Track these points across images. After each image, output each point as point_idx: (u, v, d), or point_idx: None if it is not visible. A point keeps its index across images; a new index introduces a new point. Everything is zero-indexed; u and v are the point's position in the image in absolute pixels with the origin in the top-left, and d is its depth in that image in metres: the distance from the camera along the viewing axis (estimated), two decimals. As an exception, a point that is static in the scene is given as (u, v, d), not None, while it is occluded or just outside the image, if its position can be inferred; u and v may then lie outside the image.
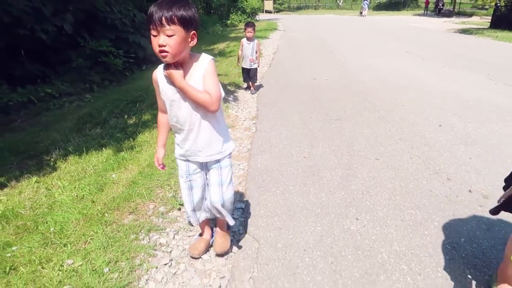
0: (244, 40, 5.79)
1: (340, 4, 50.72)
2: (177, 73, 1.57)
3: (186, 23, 1.50)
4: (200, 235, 2.26)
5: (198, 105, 1.63)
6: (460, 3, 33.55)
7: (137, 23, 9.52)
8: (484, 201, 2.67)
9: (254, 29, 5.72)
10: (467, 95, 5.56)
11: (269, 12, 37.25)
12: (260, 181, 3.07)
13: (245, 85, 6.41)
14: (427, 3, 33.79)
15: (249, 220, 2.52)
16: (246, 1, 25.63)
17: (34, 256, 2.11)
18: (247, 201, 2.78)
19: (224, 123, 1.85)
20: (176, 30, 1.48)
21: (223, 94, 1.68)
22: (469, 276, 1.95)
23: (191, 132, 1.72)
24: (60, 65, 8.16)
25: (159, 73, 1.68)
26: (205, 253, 2.17)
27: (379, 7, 43.03)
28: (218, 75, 6.45)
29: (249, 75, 5.98)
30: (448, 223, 2.42)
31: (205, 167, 1.90)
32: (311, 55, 10.18)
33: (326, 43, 12.73)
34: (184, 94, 1.61)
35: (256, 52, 5.79)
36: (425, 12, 33.43)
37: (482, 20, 23.26)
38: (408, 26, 20.52)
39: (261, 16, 29.67)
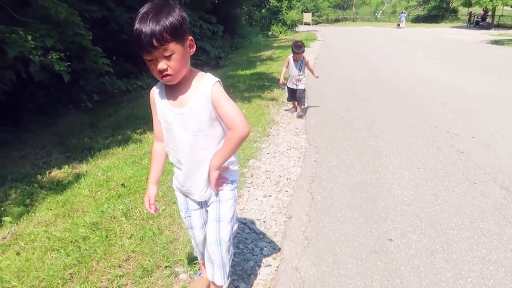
0: (291, 58, 5.47)
1: (378, 16, 52.22)
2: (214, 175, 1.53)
3: (180, 33, 1.29)
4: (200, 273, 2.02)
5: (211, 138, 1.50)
6: (501, 15, 34.36)
7: (203, 32, 11.84)
8: (455, 136, 4.48)
9: (303, 50, 5.41)
10: (472, 87, 7.30)
11: (308, 24, 39.52)
12: (314, 129, 5.03)
13: (289, 105, 6.15)
14: (470, 16, 34.68)
15: (310, 140, 4.49)
16: (287, 14, 27.91)
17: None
18: (307, 134, 4.75)
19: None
20: (173, 48, 1.28)
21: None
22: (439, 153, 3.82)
23: (187, 164, 1.52)
24: (143, 64, 10.53)
25: (156, 91, 1.51)
26: None
27: (417, 20, 44.28)
28: (271, 73, 8.54)
29: (295, 95, 5.60)
30: (428, 142, 4.28)
31: (204, 204, 1.68)
32: (348, 60, 12.12)
33: (361, 51, 14.63)
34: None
35: (305, 70, 5.51)
36: (468, 24, 34.23)
37: (521, 32, 24.21)
38: (442, 37, 21.98)
39: (300, 28, 31.89)
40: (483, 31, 27.90)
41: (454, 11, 43.80)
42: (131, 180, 3.39)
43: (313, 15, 44.50)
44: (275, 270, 2.16)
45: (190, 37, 1.37)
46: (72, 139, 5.34)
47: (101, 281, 2.03)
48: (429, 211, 2.78)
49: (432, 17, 42.73)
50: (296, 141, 4.53)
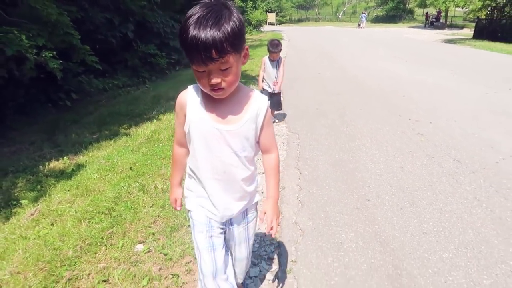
0: (266, 59, 5.06)
1: (340, 16, 54.06)
2: (275, 215, 1.47)
3: (241, 43, 1.16)
4: None
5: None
6: (453, 16, 36.75)
7: (176, 31, 12.18)
8: (416, 122, 5.18)
9: (281, 49, 4.97)
10: (429, 82, 8.16)
11: (272, 24, 40.38)
12: (293, 119, 5.59)
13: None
14: (427, 16, 37.01)
15: (291, 128, 5.04)
16: (252, 14, 28.55)
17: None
18: (287, 124, 5.30)
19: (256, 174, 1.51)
20: (232, 60, 1.13)
21: None
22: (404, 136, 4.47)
23: (219, 182, 1.39)
24: (118, 64, 10.72)
25: (189, 97, 1.33)
26: None
27: (376, 20, 46.39)
28: (244, 71, 9.06)
29: (272, 101, 5.05)
30: (393, 128, 4.94)
31: (228, 222, 1.54)
32: (315, 59, 12.85)
33: (327, 50, 15.45)
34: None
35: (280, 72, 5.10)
36: (425, 24, 36.48)
37: (471, 32, 26.10)
38: (401, 37, 23.40)
39: (265, 27, 32.62)
40: (438, 31, 29.84)
41: (411, 12, 46.27)
42: (137, 164, 3.78)
43: (277, 15, 45.50)
44: (278, 225, 2.66)
45: (246, 46, 1.22)
46: (58, 135, 5.57)
47: (138, 237, 2.46)
48: (397, 179, 3.40)
49: (390, 18, 44.96)
50: (278, 129, 5.07)
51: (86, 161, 4.19)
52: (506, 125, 4.95)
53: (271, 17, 40.81)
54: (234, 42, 1.11)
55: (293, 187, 3.28)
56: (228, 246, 1.60)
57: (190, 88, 1.36)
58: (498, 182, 3.30)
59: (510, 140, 4.37)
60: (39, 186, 3.54)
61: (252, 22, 29.13)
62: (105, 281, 2.06)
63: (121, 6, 9.72)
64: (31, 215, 2.98)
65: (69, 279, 2.08)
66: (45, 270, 2.19)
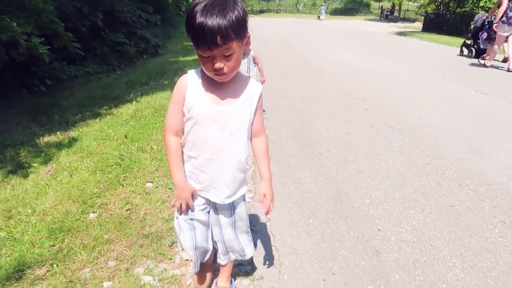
0: None
1: (300, 8, 55.46)
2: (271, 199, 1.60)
3: (243, 31, 1.27)
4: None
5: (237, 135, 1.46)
6: (406, 10, 39.06)
7: (140, 21, 12.64)
8: (363, 100, 6.20)
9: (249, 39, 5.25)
10: (378, 69, 9.32)
11: (233, 14, 40.85)
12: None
13: None
14: (382, 10, 39.16)
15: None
16: (214, 4, 28.98)
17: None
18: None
19: (250, 160, 1.62)
20: (235, 47, 1.24)
21: None
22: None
23: (211, 162, 1.47)
24: (87, 52, 11.08)
25: (190, 81, 1.41)
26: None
27: (335, 12, 48.26)
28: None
29: None
30: (344, 105, 5.93)
31: (213, 204, 1.61)
32: (277, 48, 13.79)
33: (288, 40, 16.46)
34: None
35: (256, 66, 5.25)
36: (381, 17, 38.60)
37: (422, 25, 28.10)
38: (357, 29, 24.91)
39: (227, 18, 33.15)
40: (392, 23, 31.77)
41: (367, 5, 48.49)
42: (130, 133, 4.49)
43: (238, 5, 46.06)
44: (252, 170, 3.54)
45: (248, 34, 1.32)
46: (41, 117, 6.07)
47: (146, 179, 3.23)
48: (344, 140, 4.37)
49: (348, 10, 46.98)
50: (247, 107, 5.91)
51: (79, 135, 4.80)
52: (434, 103, 6.10)
53: (233, 7, 41.37)
54: (238, 30, 1.21)
55: (262, 147, 4.15)
56: (214, 230, 1.71)
57: (190, 72, 1.45)
58: (419, 140, 4.36)
59: (434, 113, 5.49)
60: (43, 154, 4.14)
61: (214, 13, 29.55)
62: (128, 203, 2.84)
63: (90, -5, 10.12)
64: (48, 171, 3.64)
65: (101, 204, 2.84)
66: (79, 201, 2.92)
